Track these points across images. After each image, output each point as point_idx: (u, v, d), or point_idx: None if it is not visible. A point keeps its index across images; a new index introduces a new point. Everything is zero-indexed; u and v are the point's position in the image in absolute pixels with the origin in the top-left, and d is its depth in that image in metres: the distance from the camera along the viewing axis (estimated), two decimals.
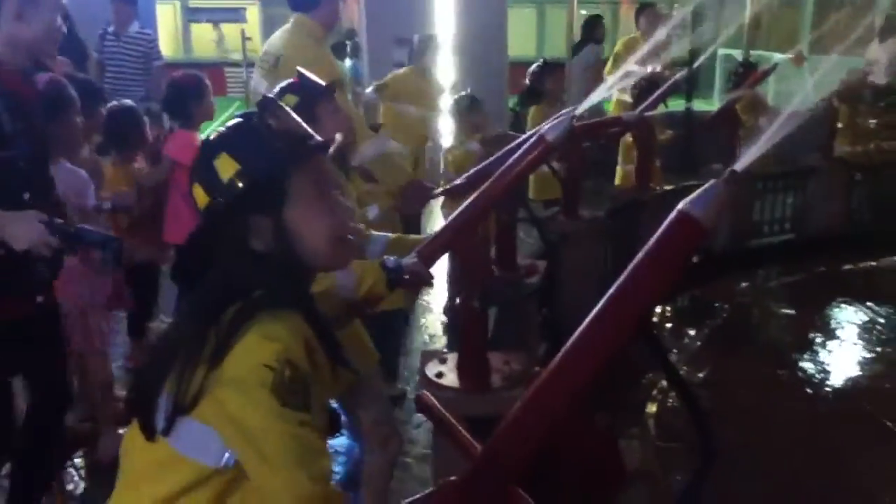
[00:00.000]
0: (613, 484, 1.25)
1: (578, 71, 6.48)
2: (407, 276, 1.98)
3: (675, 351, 3.50)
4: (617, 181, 4.96)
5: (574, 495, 1.23)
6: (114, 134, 3.48)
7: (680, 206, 1.19)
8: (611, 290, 1.18)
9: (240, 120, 1.21)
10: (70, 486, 2.88)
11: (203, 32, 17.59)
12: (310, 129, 1.22)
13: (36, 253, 1.98)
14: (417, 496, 1.35)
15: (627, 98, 4.99)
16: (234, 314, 1.08)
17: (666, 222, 1.20)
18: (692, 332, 3.86)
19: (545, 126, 2.16)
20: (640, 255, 1.20)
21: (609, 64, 6.40)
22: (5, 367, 2.28)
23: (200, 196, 1.18)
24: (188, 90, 3.51)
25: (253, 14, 17.59)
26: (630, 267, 1.19)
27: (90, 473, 2.97)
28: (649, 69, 4.85)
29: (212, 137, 1.22)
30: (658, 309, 3.76)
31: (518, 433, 1.17)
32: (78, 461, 3.05)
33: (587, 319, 1.18)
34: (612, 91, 3.06)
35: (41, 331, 2.29)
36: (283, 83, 2.26)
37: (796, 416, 3.14)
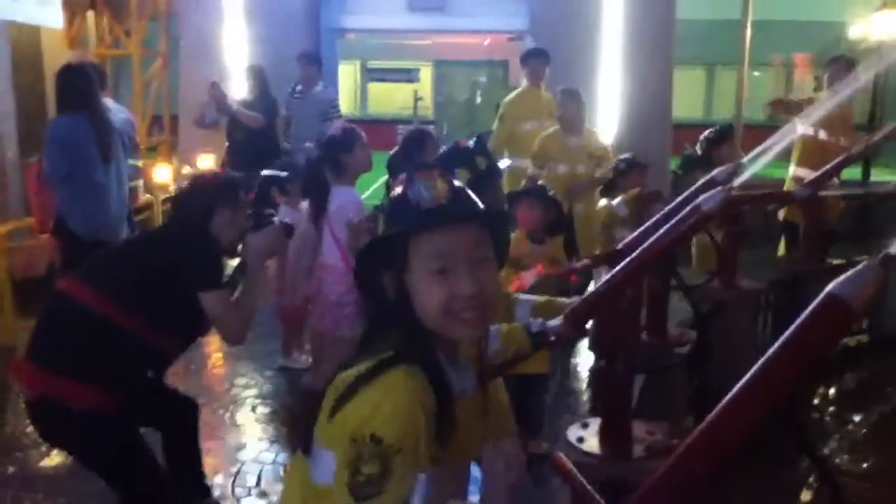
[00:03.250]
0: None
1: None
2: (553, 339, 2.02)
3: (836, 437, 3.24)
4: (781, 251, 4.76)
5: None
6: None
7: (829, 287, 1.16)
8: (749, 373, 1.17)
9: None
10: None
11: (379, 91, 18.67)
12: (437, 203, 1.21)
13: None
14: None
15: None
16: (356, 375, 1.18)
17: (814, 304, 1.18)
18: (857, 418, 3.55)
19: (701, 196, 2.16)
20: (783, 336, 1.18)
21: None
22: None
23: None
24: (339, 142, 3.71)
25: (426, 74, 18.51)
26: (772, 349, 1.17)
27: None
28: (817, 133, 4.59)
29: None
30: (820, 390, 3.51)
31: None
32: None
33: (722, 402, 1.17)
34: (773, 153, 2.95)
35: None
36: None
37: None
